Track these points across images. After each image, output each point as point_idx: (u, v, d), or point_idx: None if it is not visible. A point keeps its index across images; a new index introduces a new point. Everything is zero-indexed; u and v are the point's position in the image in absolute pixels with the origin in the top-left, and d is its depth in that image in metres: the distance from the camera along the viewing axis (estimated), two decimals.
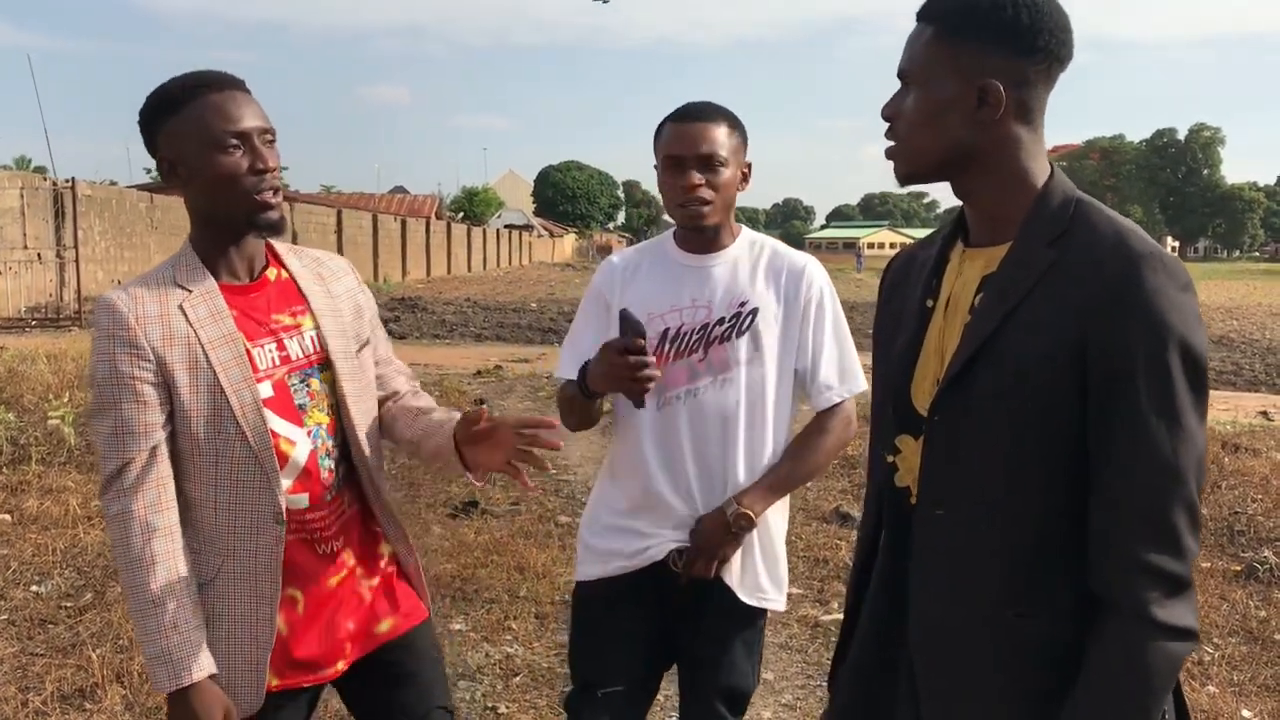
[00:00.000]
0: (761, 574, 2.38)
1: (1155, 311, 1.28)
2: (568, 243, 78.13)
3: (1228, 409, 10.35)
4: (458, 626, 4.41)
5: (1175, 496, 1.30)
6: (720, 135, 2.26)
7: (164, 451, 1.85)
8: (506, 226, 62.69)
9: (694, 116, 2.27)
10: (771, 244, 2.42)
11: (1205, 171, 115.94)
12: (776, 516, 2.42)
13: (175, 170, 1.85)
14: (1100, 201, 1.41)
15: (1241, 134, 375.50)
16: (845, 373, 2.38)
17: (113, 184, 24.15)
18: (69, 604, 4.51)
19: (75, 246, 19.05)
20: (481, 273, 45.08)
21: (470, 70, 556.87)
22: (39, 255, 19.07)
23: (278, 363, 1.92)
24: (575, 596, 2.49)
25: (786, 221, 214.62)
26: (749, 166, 2.36)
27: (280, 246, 2.04)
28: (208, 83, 1.83)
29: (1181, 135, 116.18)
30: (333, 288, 2.07)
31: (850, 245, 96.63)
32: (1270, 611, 4.77)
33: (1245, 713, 3.75)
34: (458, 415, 2.02)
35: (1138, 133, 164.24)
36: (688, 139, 2.24)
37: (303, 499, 1.92)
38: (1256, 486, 6.74)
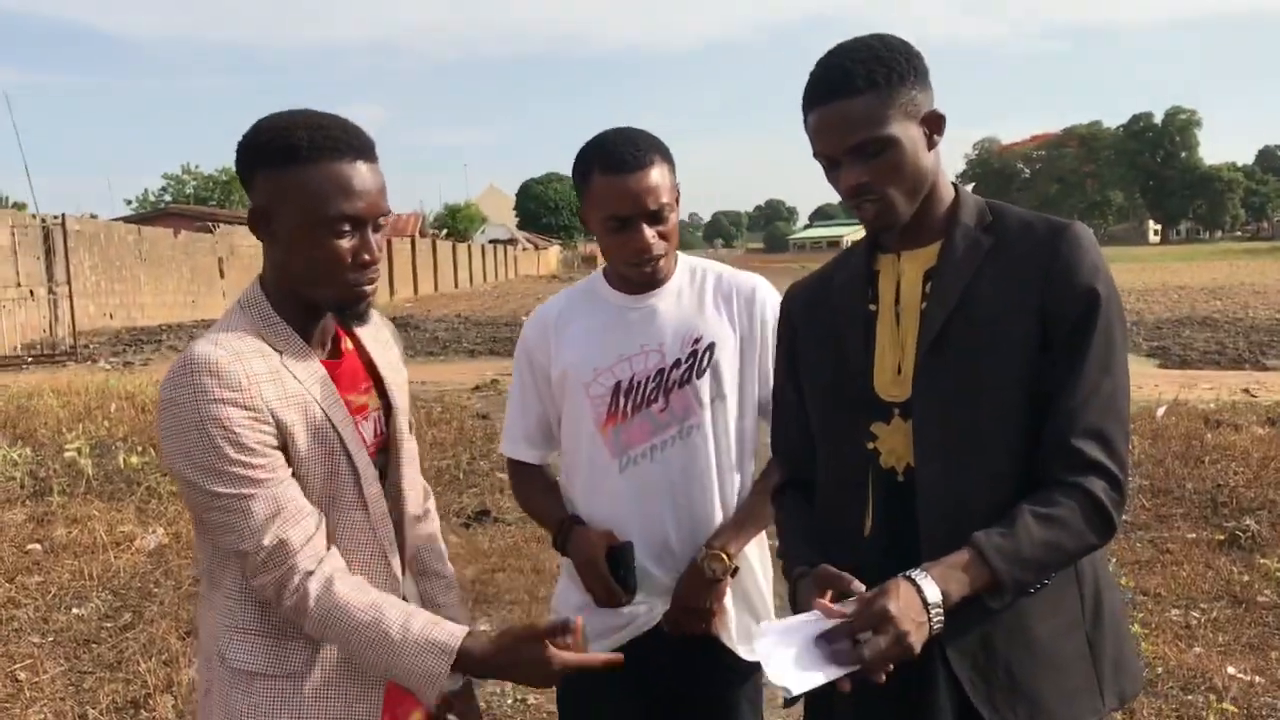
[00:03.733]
0: (751, 624, 2.16)
1: (1099, 267, 1.56)
2: (552, 255, 78.49)
3: (1211, 387, 10.62)
4: (484, 627, 4.61)
5: (1125, 405, 1.56)
6: (663, 180, 2.02)
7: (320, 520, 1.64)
8: (491, 241, 62.94)
9: (631, 166, 1.99)
10: (714, 268, 2.22)
11: (1183, 154, 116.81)
12: (756, 560, 2.21)
13: (268, 223, 1.61)
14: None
15: (1218, 115, 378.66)
16: None
17: (93, 217, 24.26)
18: (109, 624, 4.71)
19: (68, 281, 19.18)
20: (469, 288, 45.24)
21: (445, 85, 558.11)
22: (31, 292, 19.20)
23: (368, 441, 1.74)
24: (560, 686, 2.19)
25: (769, 223, 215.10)
26: (679, 189, 2.12)
27: None
28: (336, 144, 1.58)
29: (1158, 119, 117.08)
30: (390, 357, 1.86)
31: (834, 244, 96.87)
32: (1253, 576, 5.02)
33: (1230, 669, 3.98)
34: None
35: (1115, 118, 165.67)
36: (633, 197, 1.99)
37: None
38: (1238, 459, 7.01)
